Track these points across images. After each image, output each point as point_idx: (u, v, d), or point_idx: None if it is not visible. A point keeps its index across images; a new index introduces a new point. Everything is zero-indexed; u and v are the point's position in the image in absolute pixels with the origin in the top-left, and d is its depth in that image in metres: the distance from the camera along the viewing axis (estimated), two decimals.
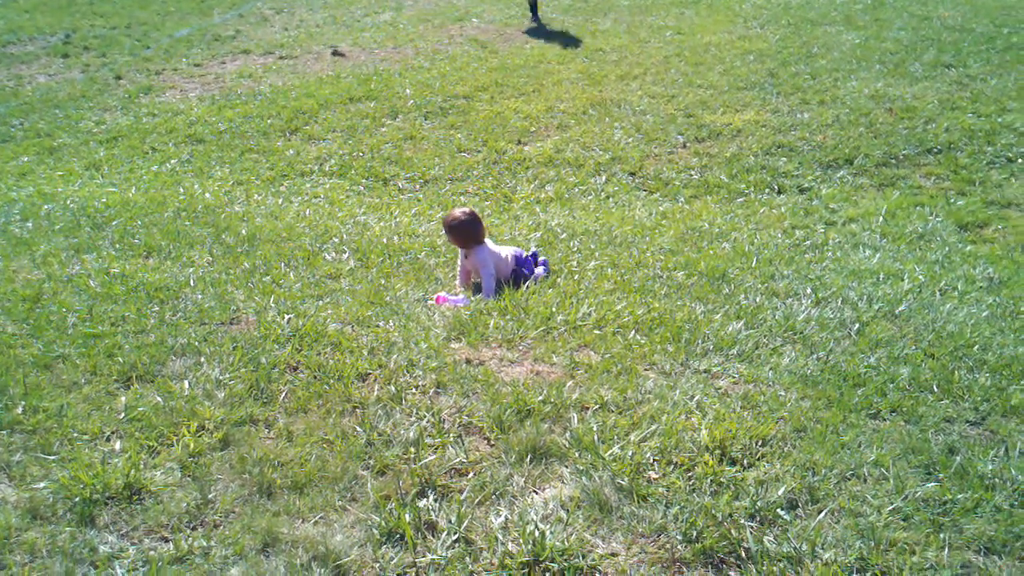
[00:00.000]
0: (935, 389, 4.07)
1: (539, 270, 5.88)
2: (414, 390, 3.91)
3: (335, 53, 13.51)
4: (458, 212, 5.69)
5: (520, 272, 5.77)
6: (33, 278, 5.44)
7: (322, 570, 2.78)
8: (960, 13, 13.62)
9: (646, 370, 4.17)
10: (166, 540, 2.95)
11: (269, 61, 13.32)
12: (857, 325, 4.85)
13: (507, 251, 5.85)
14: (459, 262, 5.84)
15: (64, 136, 10.37)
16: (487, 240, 5.75)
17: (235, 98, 11.48)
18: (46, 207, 7.41)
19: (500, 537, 2.91)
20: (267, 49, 13.91)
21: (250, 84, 12.12)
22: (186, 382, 3.95)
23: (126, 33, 15.09)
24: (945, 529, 2.99)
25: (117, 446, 3.46)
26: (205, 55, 13.73)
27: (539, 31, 14.42)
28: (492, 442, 3.51)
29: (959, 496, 3.16)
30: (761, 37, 13.01)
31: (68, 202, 7.60)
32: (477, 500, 3.13)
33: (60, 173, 9.13)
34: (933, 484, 3.24)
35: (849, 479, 3.28)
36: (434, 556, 2.84)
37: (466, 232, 5.62)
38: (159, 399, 3.79)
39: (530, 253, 6.00)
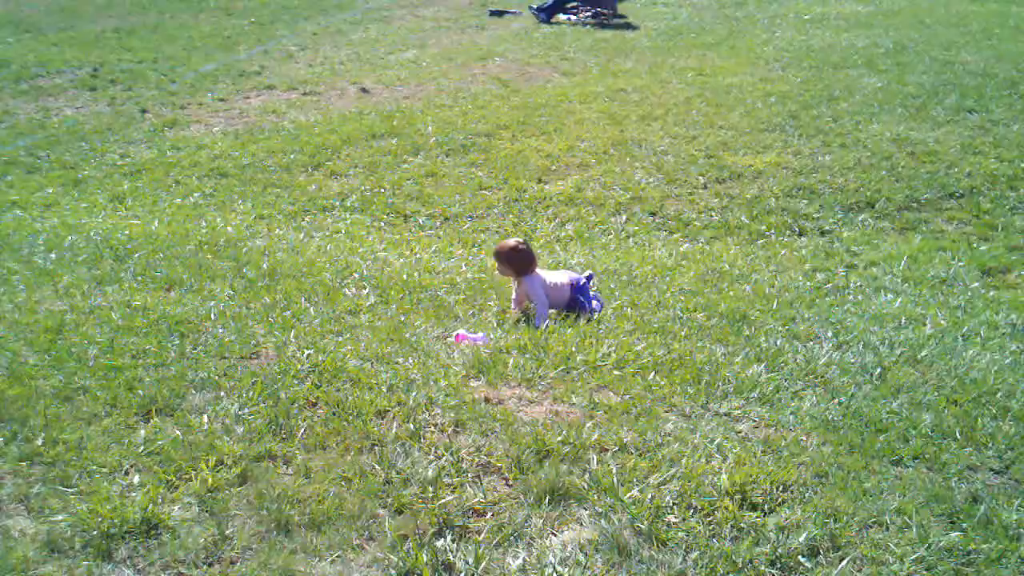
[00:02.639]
0: (958, 436, 4.02)
1: (594, 303, 5.90)
2: (433, 428, 3.90)
3: (362, 90, 13.63)
4: (511, 241, 5.87)
5: (577, 299, 5.80)
6: (55, 309, 5.48)
7: None
8: (982, 58, 13.63)
9: (666, 412, 4.15)
10: None
11: (293, 97, 13.45)
12: (879, 370, 4.82)
13: (562, 277, 5.89)
14: (513, 288, 5.95)
15: (89, 168, 10.47)
16: (538, 270, 5.81)
17: (258, 133, 11.59)
18: (70, 238, 7.47)
19: None
20: (291, 85, 14.05)
21: (274, 119, 12.24)
22: (205, 416, 3.95)
23: (152, 67, 15.29)
24: None
25: (135, 480, 3.47)
26: (230, 90, 13.87)
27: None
28: (510, 482, 3.50)
29: (983, 546, 3.12)
30: (783, 79, 13.05)
31: (91, 234, 7.66)
32: (495, 541, 3.11)
33: (84, 205, 9.22)
34: (957, 533, 3.20)
35: (871, 527, 3.24)
36: None
37: (512, 261, 5.75)
38: (178, 433, 3.79)
39: (585, 276, 5.98)
